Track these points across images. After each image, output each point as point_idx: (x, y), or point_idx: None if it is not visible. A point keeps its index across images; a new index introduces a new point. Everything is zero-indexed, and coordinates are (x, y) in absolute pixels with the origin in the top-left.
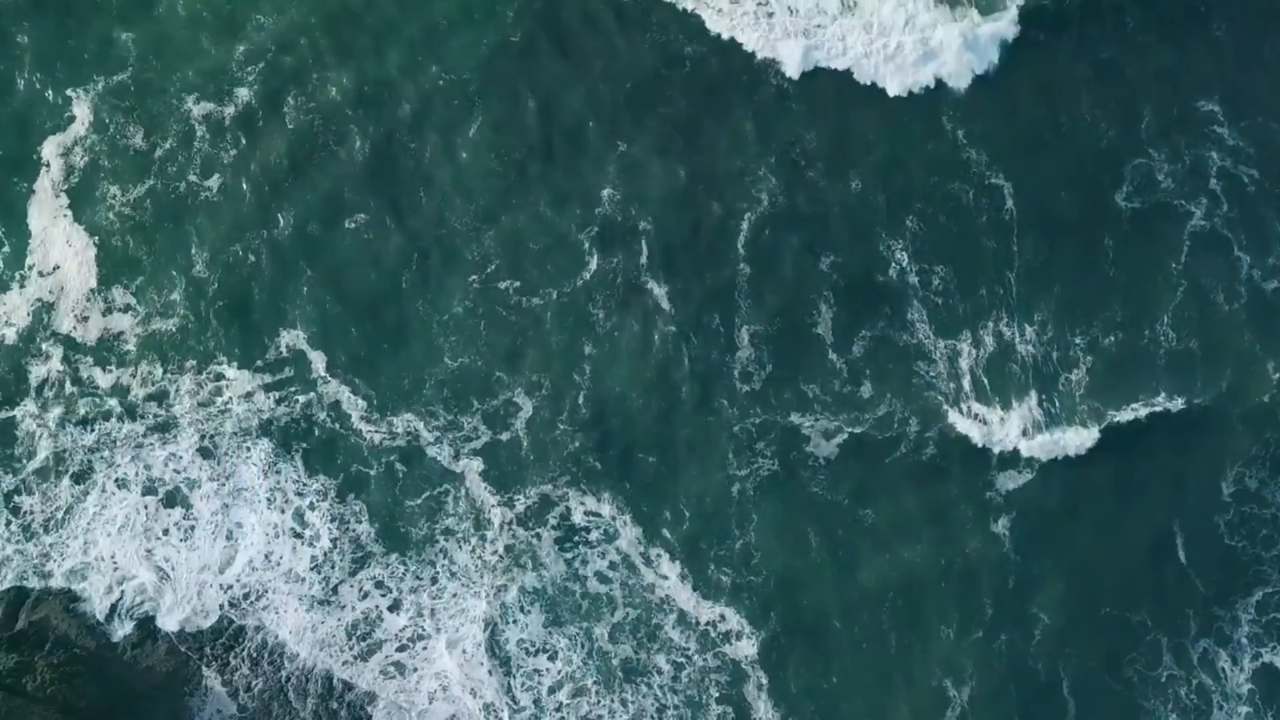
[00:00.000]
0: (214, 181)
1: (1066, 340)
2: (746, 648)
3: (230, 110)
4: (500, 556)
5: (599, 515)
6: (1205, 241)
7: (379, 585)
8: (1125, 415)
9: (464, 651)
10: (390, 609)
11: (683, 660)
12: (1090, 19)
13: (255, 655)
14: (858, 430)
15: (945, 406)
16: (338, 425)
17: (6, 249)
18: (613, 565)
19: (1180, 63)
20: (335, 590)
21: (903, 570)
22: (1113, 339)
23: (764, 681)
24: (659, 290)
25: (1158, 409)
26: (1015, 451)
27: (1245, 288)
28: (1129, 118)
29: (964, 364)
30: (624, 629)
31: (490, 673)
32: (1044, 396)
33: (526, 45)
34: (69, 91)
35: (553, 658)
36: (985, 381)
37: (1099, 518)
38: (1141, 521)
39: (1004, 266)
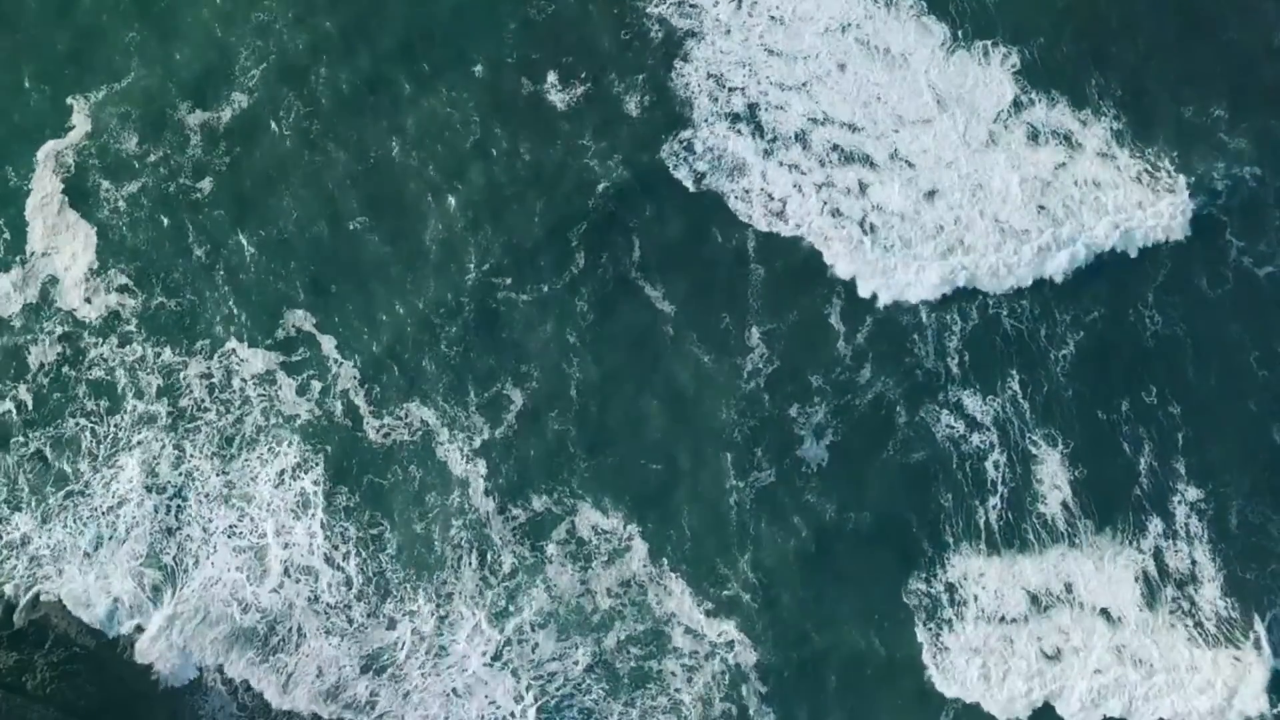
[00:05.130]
0: (206, 183)
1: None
2: (747, 655)
3: (226, 114)
4: (510, 570)
5: (605, 531)
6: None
7: (388, 599)
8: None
9: (475, 660)
10: (401, 620)
11: (687, 667)
12: None
13: (253, 656)
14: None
15: (930, 398)
16: (341, 423)
17: (7, 235)
18: (621, 581)
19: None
20: (349, 603)
21: (899, 570)
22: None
23: (763, 689)
24: (654, 286)
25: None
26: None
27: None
28: None
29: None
30: (631, 640)
31: (502, 681)
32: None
33: (524, 59)
34: (69, 99)
35: (562, 665)
36: (972, 371)
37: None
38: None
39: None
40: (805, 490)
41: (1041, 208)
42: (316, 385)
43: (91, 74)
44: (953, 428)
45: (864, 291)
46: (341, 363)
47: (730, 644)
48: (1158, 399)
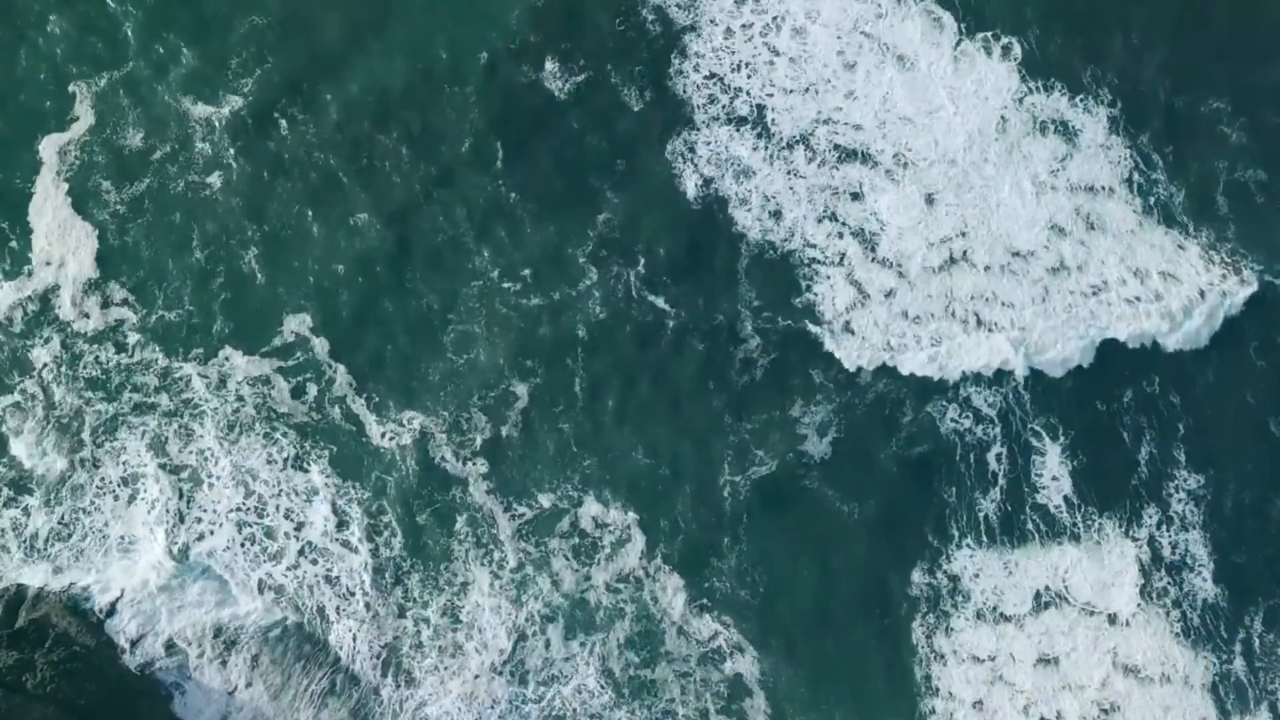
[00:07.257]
0: (214, 179)
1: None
2: (746, 662)
3: (228, 110)
4: (514, 570)
5: (606, 525)
6: None
7: (397, 588)
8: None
9: (487, 660)
10: (410, 609)
11: (686, 671)
12: None
13: (256, 653)
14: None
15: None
16: (345, 422)
17: (14, 243)
18: (620, 576)
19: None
20: (364, 590)
21: (900, 565)
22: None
23: (762, 701)
24: (657, 284)
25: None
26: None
27: None
28: None
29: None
30: (630, 644)
31: (506, 683)
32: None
33: (526, 51)
34: (71, 88)
35: (566, 667)
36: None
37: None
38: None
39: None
40: (806, 480)
41: (1054, 225)
42: (313, 387)
43: (93, 63)
44: (956, 420)
45: (850, 364)
46: (338, 365)
47: (727, 642)
48: (1159, 389)
